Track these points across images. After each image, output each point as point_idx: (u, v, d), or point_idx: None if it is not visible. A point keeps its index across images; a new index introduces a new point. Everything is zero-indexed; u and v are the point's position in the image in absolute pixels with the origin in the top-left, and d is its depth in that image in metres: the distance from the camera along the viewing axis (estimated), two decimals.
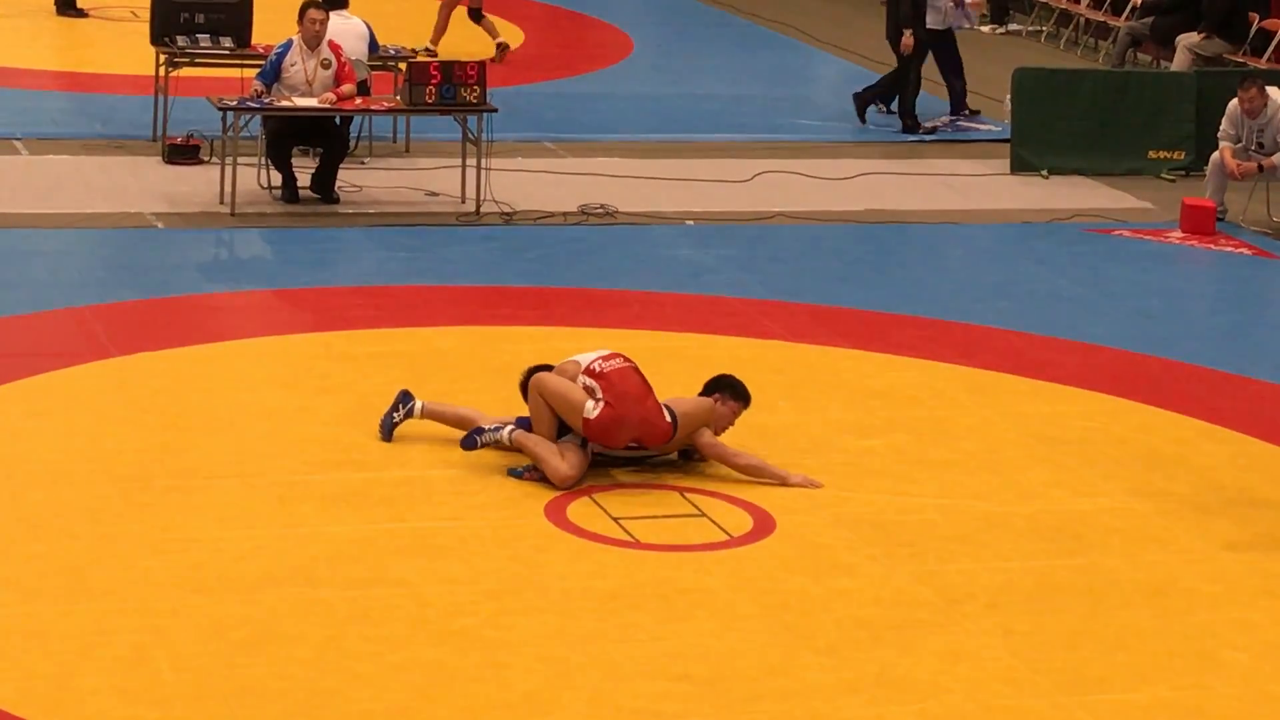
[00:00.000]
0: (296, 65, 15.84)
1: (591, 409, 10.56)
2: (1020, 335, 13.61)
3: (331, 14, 16.25)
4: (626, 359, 10.83)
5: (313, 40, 15.85)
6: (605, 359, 10.78)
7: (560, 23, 24.98)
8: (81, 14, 23.00)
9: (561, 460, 10.54)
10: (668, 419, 10.65)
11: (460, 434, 10.89)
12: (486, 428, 10.78)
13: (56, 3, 23.06)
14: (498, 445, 10.75)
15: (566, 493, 10.43)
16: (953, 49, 20.22)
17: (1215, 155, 16.96)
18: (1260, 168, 16.78)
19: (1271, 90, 16.89)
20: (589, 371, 10.71)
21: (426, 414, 11.04)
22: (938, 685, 8.60)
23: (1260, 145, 16.87)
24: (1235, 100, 16.92)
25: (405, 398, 11.05)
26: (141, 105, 18.01)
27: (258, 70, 16.10)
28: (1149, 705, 8.54)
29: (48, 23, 22.81)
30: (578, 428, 10.63)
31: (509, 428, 10.73)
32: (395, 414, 11.00)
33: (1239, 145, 16.93)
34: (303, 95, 15.76)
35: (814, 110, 20.97)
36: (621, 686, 8.44)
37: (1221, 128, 17.01)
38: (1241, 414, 12.26)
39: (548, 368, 10.86)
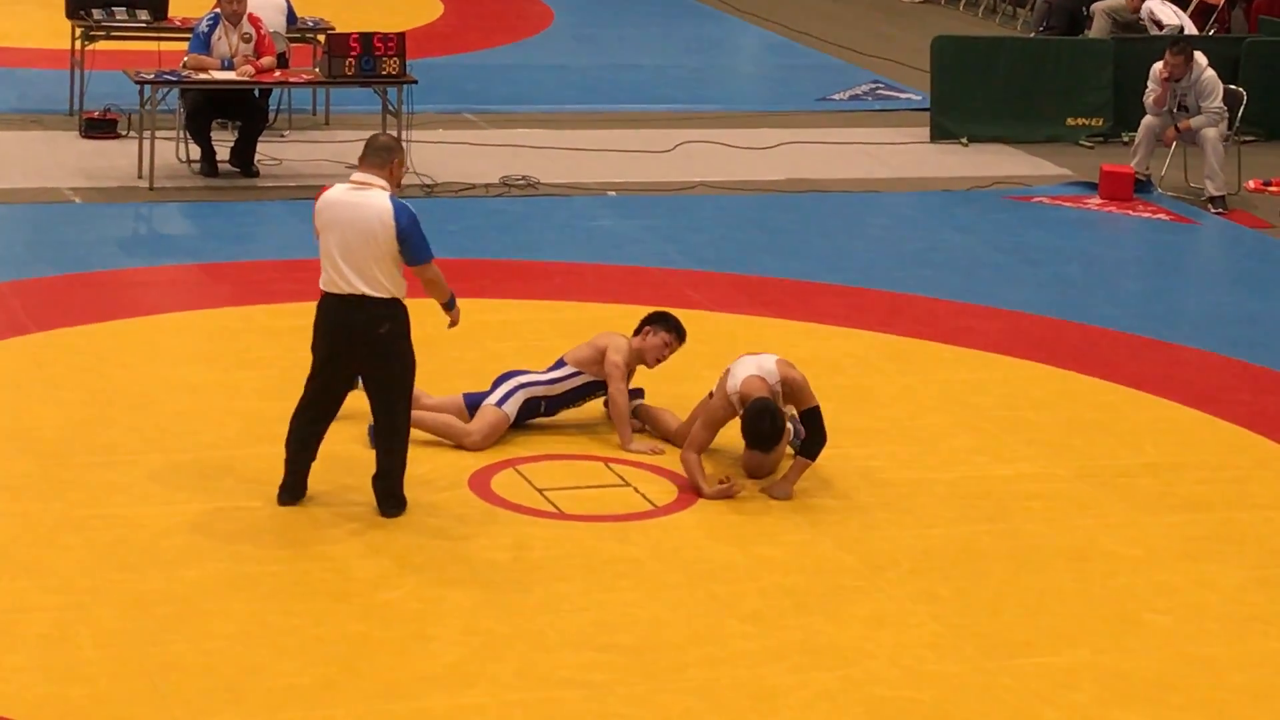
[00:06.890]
0: (221, 39, 15.77)
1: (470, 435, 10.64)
2: (941, 302, 13.66)
3: None
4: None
5: (233, 16, 15.77)
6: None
7: None
8: None
9: (469, 432, 10.61)
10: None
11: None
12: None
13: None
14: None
15: (491, 465, 10.42)
16: None
17: (1145, 120, 17.02)
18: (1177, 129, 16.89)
19: (1197, 54, 16.97)
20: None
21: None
22: (861, 651, 8.64)
23: (1184, 108, 16.96)
24: (1158, 64, 16.99)
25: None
26: (57, 79, 17.87)
27: (171, 41, 15.96)
28: (1071, 668, 8.60)
29: None
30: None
31: None
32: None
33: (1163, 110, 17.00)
34: (225, 68, 15.67)
35: (736, 79, 20.95)
36: (548, 657, 8.44)
37: (1148, 89, 17.05)
38: (1161, 378, 12.35)
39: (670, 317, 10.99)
